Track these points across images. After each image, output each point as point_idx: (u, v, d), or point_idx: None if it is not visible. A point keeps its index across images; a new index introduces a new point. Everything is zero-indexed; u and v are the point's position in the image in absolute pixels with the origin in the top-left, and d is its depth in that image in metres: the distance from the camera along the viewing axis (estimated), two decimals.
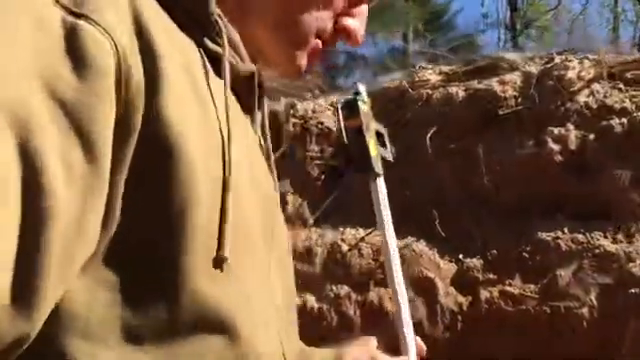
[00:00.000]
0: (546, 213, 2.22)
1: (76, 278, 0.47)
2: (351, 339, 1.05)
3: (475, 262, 2.21)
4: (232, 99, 0.57)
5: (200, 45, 0.56)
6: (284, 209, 2.66)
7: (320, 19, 0.64)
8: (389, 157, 1.09)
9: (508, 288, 2.13)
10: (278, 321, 0.60)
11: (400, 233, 2.35)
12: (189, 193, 0.49)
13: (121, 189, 0.48)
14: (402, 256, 2.15)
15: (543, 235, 2.18)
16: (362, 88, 1.12)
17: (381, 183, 1.01)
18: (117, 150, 0.47)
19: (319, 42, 0.65)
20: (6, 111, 0.41)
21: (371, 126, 1.02)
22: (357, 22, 0.67)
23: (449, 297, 2.18)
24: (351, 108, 1.01)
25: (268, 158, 0.71)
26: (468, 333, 2.12)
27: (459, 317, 2.15)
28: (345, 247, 2.41)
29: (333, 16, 0.65)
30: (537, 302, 2.08)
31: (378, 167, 0.97)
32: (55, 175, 0.43)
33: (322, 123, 2.78)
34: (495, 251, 2.21)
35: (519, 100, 2.44)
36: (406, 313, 0.99)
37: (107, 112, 0.46)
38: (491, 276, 2.17)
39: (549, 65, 2.51)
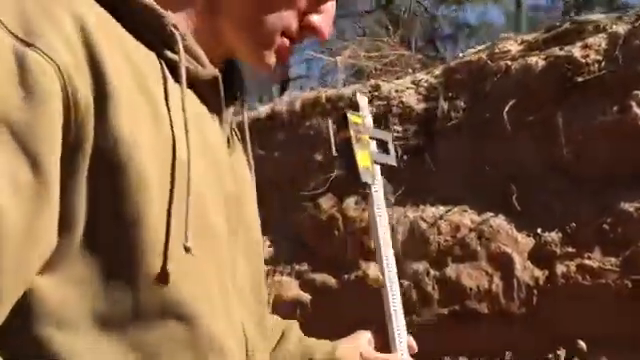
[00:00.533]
0: (630, 183, 2.12)
1: (48, 278, 0.53)
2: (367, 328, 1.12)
3: (553, 236, 2.18)
4: (192, 103, 0.63)
5: (160, 55, 0.60)
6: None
7: (285, 18, 0.67)
8: (392, 163, 1.16)
9: (587, 262, 2.07)
10: (242, 307, 0.66)
11: (478, 208, 2.38)
12: (143, 199, 0.55)
13: (79, 198, 0.53)
14: (480, 232, 2.19)
15: (626, 206, 2.09)
16: (362, 99, 1.19)
17: (376, 194, 1.08)
18: (70, 164, 0.53)
19: (285, 40, 0.68)
20: None
21: (364, 138, 1.09)
22: (323, 18, 0.70)
23: (526, 271, 2.17)
24: (342, 121, 1.09)
25: (246, 151, 0.78)
26: (544, 308, 2.11)
27: (535, 292, 2.14)
28: (424, 225, 2.47)
29: (298, 14, 0.68)
30: (618, 276, 2.02)
31: (367, 177, 1.04)
32: (2, 192, 0.48)
33: (403, 103, 2.83)
34: (574, 224, 2.15)
35: (602, 64, 2.32)
36: (398, 313, 1.06)
37: (54, 132, 0.51)
38: (569, 249, 2.13)
39: (637, 24, 2.35)
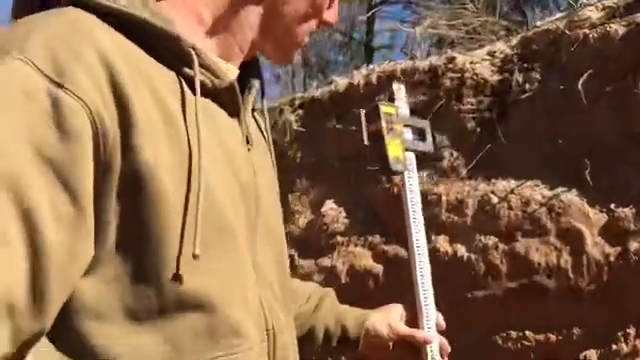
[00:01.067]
0: None
1: (85, 279, 0.63)
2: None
3: (627, 211, 2.11)
4: (210, 111, 0.72)
5: (179, 73, 0.70)
6: (440, 162, 2.77)
7: (312, 24, 0.84)
8: (429, 149, 1.21)
9: None
10: (264, 290, 0.77)
11: (550, 183, 2.35)
12: (160, 215, 0.64)
13: (111, 215, 0.63)
14: (550, 206, 2.17)
15: None
16: (399, 88, 1.24)
17: (408, 180, 1.14)
18: (102, 188, 0.62)
19: (307, 38, 0.85)
20: (3, 175, 0.56)
21: (397, 127, 1.15)
22: (332, 12, 0.86)
23: (596, 247, 2.13)
24: (373, 114, 1.15)
25: (269, 147, 0.90)
26: (615, 285, 2.06)
27: (605, 268, 2.09)
28: (495, 199, 2.46)
29: (319, 17, 0.84)
30: None
31: (398, 166, 1.10)
32: (45, 223, 0.58)
33: (477, 75, 2.79)
34: None
35: None
36: (428, 292, 1.12)
37: (86, 166, 0.60)
38: None
39: None
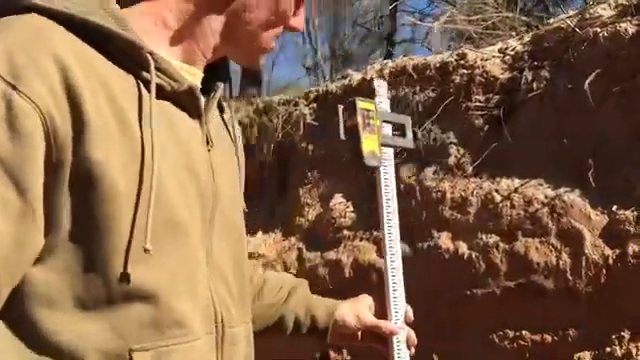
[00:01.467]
0: None
1: (38, 268, 0.67)
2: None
3: (628, 214, 2.09)
4: (168, 113, 0.76)
5: (137, 77, 0.73)
6: (447, 160, 2.77)
7: (277, 31, 0.86)
8: (409, 145, 1.22)
9: None
10: (219, 284, 0.80)
11: (553, 183, 2.34)
12: (111, 210, 0.68)
13: (62, 208, 0.67)
14: (552, 206, 2.17)
15: None
16: (380, 85, 1.25)
17: (384, 175, 1.15)
18: (54, 182, 0.66)
19: (274, 42, 0.87)
20: None
21: (375, 123, 1.16)
22: (299, 19, 0.89)
23: (596, 249, 2.11)
24: (350, 109, 1.16)
25: (235, 145, 0.92)
26: (612, 287, 2.05)
27: (604, 270, 2.08)
28: (498, 197, 2.45)
29: (286, 23, 0.86)
30: None
31: (372, 161, 1.12)
32: None
33: (487, 72, 2.77)
34: None
35: None
36: (397, 284, 1.14)
37: (36, 163, 0.65)
38: None
39: None
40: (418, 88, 3.04)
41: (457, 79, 2.86)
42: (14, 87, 0.63)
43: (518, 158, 2.49)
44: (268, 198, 3.80)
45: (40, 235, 0.67)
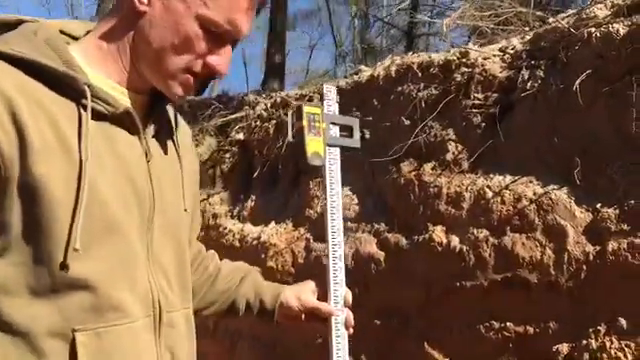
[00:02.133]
0: None
1: None
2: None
3: (610, 212, 2.15)
4: (106, 133, 0.90)
5: (78, 103, 0.87)
6: (445, 155, 2.85)
7: (185, 59, 0.94)
8: (355, 145, 1.33)
9: (638, 241, 2.04)
10: (158, 275, 0.95)
11: (543, 180, 2.42)
12: (52, 215, 0.83)
13: (12, 214, 0.82)
14: (539, 203, 2.25)
15: None
16: (329, 89, 1.37)
17: (329, 172, 1.26)
18: (4, 196, 0.82)
19: (189, 77, 0.95)
20: None
21: (320, 126, 1.27)
22: (219, 59, 0.96)
23: (578, 246, 2.18)
24: (298, 114, 1.28)
25: (177, 152, 1.05)
26: (591, 283, 2.12)
27: (584, 266, 2.15)
28: (490, 194, 2.53)
29: (198, 57, 0.94)
30: None
31: (315, 161, 1.23)
32: None
33: (486, 71, 2.84)
34: (633, 201, 2.11)
35: None
36: (338, 271, 1.24)
37: None
38: (624, 227, 2.10)
39: None
40: (422, 85, 3.12)
41: (458, 77, 2.93)
42: None
43: (511, 155, 2.56)
44: (282, 190, 3.93)
45: None
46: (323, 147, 1.26)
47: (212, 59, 0.95)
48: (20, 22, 0.92)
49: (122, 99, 0.94)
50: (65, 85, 0.87)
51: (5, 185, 0.82)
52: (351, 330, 1.21)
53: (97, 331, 0.86)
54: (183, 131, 1.09)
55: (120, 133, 0.93)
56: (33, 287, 0.84)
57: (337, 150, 1.29)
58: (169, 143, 1.04)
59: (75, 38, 0.97)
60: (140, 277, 0.92)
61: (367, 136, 1.38)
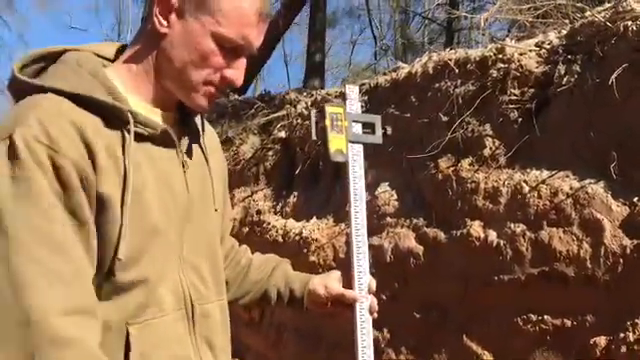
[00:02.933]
0: None
1: None
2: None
3: None
4: (148, 152, 1.03)
5: (124, 129, 0.99)
6: (482, 151, 2.88)
7: (204, 74, 1.05)
8: (378, 141, 1.40)
9: None
10: (190, 272, 1.07)
11: (579, 174, 2.44)
12: (111, 226, 0.96)
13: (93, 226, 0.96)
14: (576, 198, 2.28)
15: None
16: (351, 89, 1.44)
17: (352, 168, 1.34)
18: (90, 210, 0.95)
19: (210, 88, 1.06)
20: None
21: (342, 124, 1.35)
22: (235, 73, 1.07)
23: (615, 239, 2.20)
24: (321, 113, 1.36)
25: (206, 160, 1.17)
26: (628, 277, 2.13)
27: (621, 260, 2.16)
28: (527, 188, 2.56)
29: (216, 70, 1.05)
30: None
31: (338, 158, 1.31)
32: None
33: (523, 66, 2.85)
34: None
35: None
36: (362, 260, 1.32)
37: (83, 199, 0.93)
38: None
39: None
40: (459, 81, 3.15)
41: (495, 73, 2.96)
42: (53, 149, 0.91)
43: (547, 150, 2.58)
44: (323, 186, 4.03)
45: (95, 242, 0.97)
46: (346, 144, 1.33)
47: (228, 72, 1.05)
48: (65, 51, 1.05)
49: (158, 119, 1.06)
50: (112, 115, 0.99)
51: (89, 201, 0.94)
52: (375, 315, 1.29)
53: (144, 324, 0.99)
54: (209, 134, 1.20)
55: (160, 150, 1.05)
56: (101, 288, 0.97)
57: (360, 147, 1.36)
58: (197, 148, 1.14)
59: (107, 59, 1.09)
60: (171, 273, 1.04)
61: (389, 132, 1.44)
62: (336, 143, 1.32)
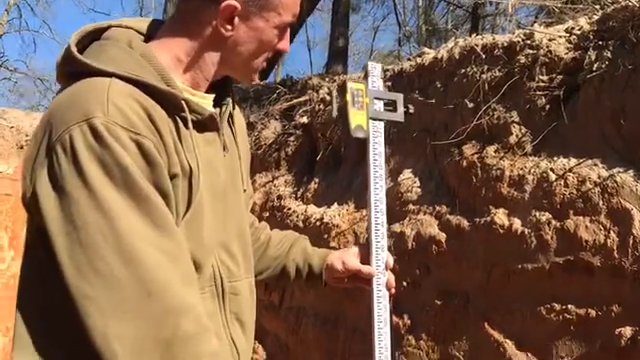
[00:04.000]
0: None
1: None
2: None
3: None
4: (197, 136, 1.05)
5: (177, 115, 1.03)
6: (508, 138, 2.84)
7: (265, 56, 1.14)
8: (399, 119, 1.39)
9: None
10: (218, 251, 1.09)
11: (608, 163, 2.40)
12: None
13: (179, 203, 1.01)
14: (604, 187, 2.24)
15: None
16: (374, 67, 1.42)
17: (373, 145, 1.33)
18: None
19: (264, 63, 1.14)
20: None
21: (364, 100, 1.34)
22: (285, 42, 1.14)
23: None
24: (342, 88, 1.36)
25: (235, 142, 1.20)
26: None
27: None
28: (553, 176, 2.52)
29: (272, 49, 1.12)
30: None
31: (359, 133, 1.31)
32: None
33: (552, 52, 2.80)
34: None
35: None
36: (380, 238, 1.31)
37: (166, 176, 0.97)
38: None
39: None
40: (485, 67, 3.11)
41: (522, 59, 2.91)
42: (137, 134, 0.93)
43: (575, 138, 2.54)
44: (344, 172, 4.01)
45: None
46: (366, 120, 1.33)
47: (280, 45, 1.12)
48: (109, 26, 1.07)
49: (204, 103, 1.09)
50: (166, 100, 1.02)
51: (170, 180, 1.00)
52: (393, 291, 1.30)
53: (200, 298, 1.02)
54: (237, 115, 1.22)
55: (205, 135, 1.08)
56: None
57: (381, 124, 1.35)
58: (229, 130, 1.16)
59: (144, 35, 1.10)
60: (213, 248, 1.08)
61: (411, 111, 1.43)
62: (357, 119, 1.32)
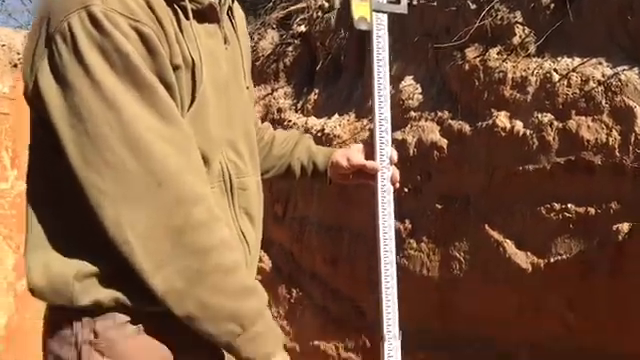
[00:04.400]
0: None
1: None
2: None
3: None
4: (197, 26, 1.03)
5: (177, 4, 1.02)
6: (511, 40, 2.78)
7: None
8: (403, 11, 1.36)
9: None
10: (225, 149, 1.09)
11: (613, 61, 2.37)
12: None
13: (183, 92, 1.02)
14: (607, 85, 2.23)
15: None
16: None
17: (377, 39, 1.30)
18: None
19: None
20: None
21: None
22: None
23: None
24: None
25: (237, 39, 1.17)
26: None
27: None
28: (557, 77, 2.49)
29: None
30: None
31: (362, 25, 1.29)
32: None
33: None
34: None
35: None
36: (385, 132, 1.31)
37: (167, 63, 0.97)
38: None
39: None
40: None
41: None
42: (137, 21, 0.92)
43: (580, 37, 2.49)
44: (345, 82, 3.96)
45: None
46: (370, 12, 1.31)
47: None
48: None
49: None
50: None
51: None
52: (397, 185, 1.32)
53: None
54: (237, 10, 1.19)
55: (206, 26, 1.05)
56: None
57: (385, 16, 1.33)
58: (230, 26, 1.13)
59: None
60: (221, 142, 1.08)
61: (415, 2, 1.41)
62: (360, 10, 1.30)
